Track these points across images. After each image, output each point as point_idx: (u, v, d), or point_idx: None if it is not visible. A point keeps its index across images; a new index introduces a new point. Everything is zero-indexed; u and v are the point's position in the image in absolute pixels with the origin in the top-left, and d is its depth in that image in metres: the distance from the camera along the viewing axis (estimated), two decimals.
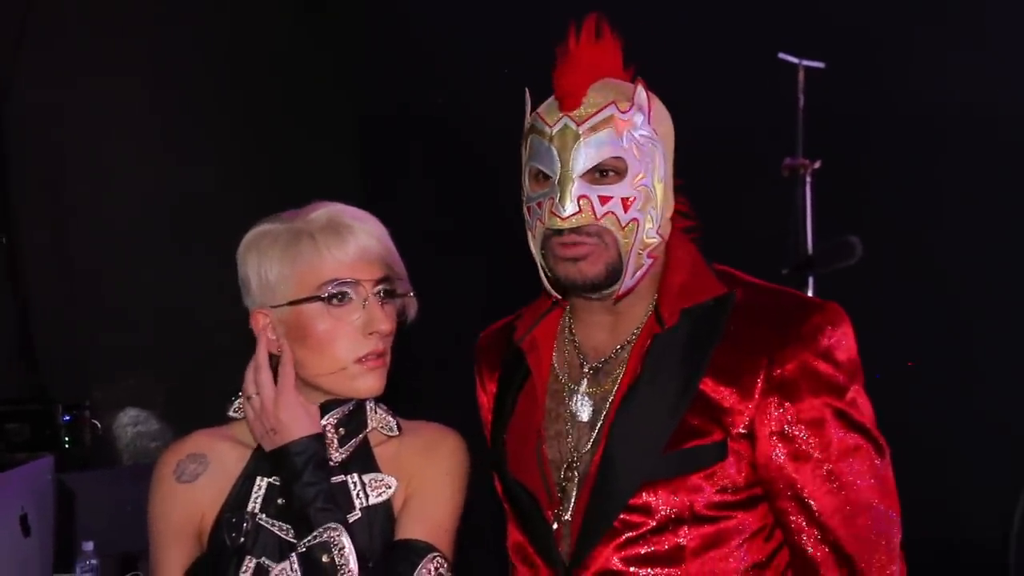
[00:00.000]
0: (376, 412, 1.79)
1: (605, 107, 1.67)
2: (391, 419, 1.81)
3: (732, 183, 3.39)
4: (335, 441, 1.74)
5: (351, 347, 1.69)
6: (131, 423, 4.44)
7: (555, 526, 1.73)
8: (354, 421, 1.76)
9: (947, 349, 3.38)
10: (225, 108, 4.65)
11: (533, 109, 1.75)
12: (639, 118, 1.68)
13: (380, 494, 1.74)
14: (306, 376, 1.72)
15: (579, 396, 1.76)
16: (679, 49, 3.69)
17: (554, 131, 1.68)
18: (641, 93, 1.69)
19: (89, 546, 2.77)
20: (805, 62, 3.33)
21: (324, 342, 1.69)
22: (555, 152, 1.67)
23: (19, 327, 4.15)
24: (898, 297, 3.39)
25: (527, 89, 1.76)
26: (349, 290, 1.69)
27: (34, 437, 3.96)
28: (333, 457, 1.74)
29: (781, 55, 3.32)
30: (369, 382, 1.71)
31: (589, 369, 1.78)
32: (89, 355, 4.33)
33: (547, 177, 1.69)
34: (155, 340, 4.40)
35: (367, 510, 1.72)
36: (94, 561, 2.76)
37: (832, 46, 3.39)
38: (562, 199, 1.66)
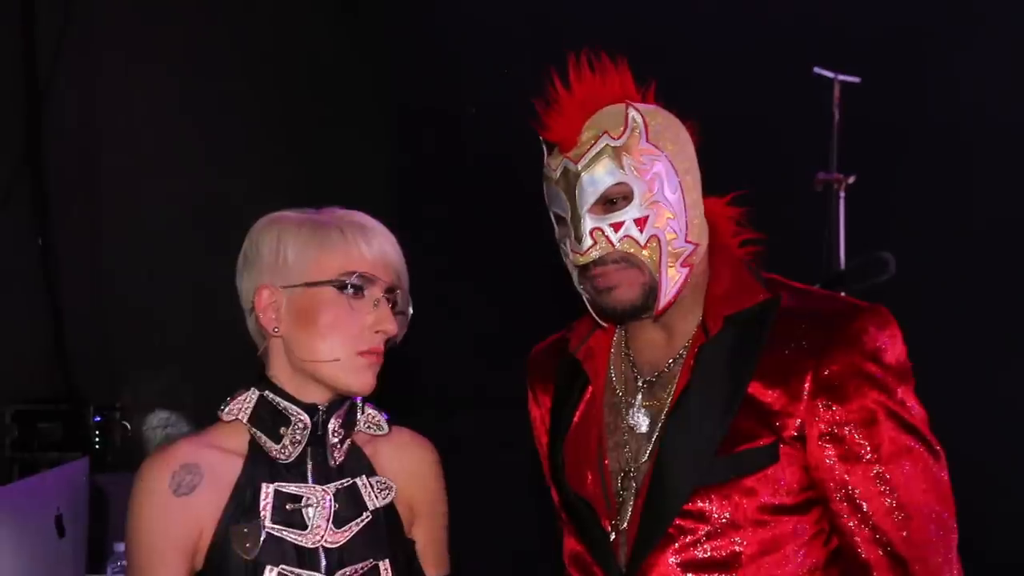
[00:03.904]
0: (364, 410, 1.79)
1: (599, 139, 1.70)
2: (381, 417, 1.80)
3: (765, 197, 3.38)
4: (337, 443, 1.73)
5: (354, 339, 1.69)
6: (160, 425, 4.47)
7: (612, 535, 1.74)
8: (349, 421, 1.76)
9: (982, 364, 3.37)
10: (259, 110, 4.68)
11: (549, 152, 1.78)
12: (635, 138, 1.70)
13: (386, 497, 1.75)
14: (301, 360, 1.70)
15: (635, 409, 1.78)
16: (715, 62, 3.70)
17: (557, 174, 1.73)
18: (633, 114, 1.71)
19: (121, 547, 2.76)
20: (841, 76, 3.32)
21: (329, 329, 1.68)
22: (562, 194, 1.72)
23: (53, 328, 4.19)
24: (931, 313, 3.37)
25: (543, 139, 1.78)
26: (366, 285, 1.70)
27: (66, 437, 4.00)
28: (336, 459, 1.73)
29: (817, 69, 3.31)
30: (366, 378, 1.70)
31: (644, 383, 1.79)
32: (121, 356, 4.36)
33: (563, 218, 1.74)
34: (186, 342, 4.42)
35: (375, 512, 1.73)
36: (125, 562, 2.76)
37: (868, 60, 3.38)
38: (578, 237, 1.70)
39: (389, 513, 1.76)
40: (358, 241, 1.70)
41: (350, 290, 1.68)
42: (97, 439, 4.07)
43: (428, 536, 1.83)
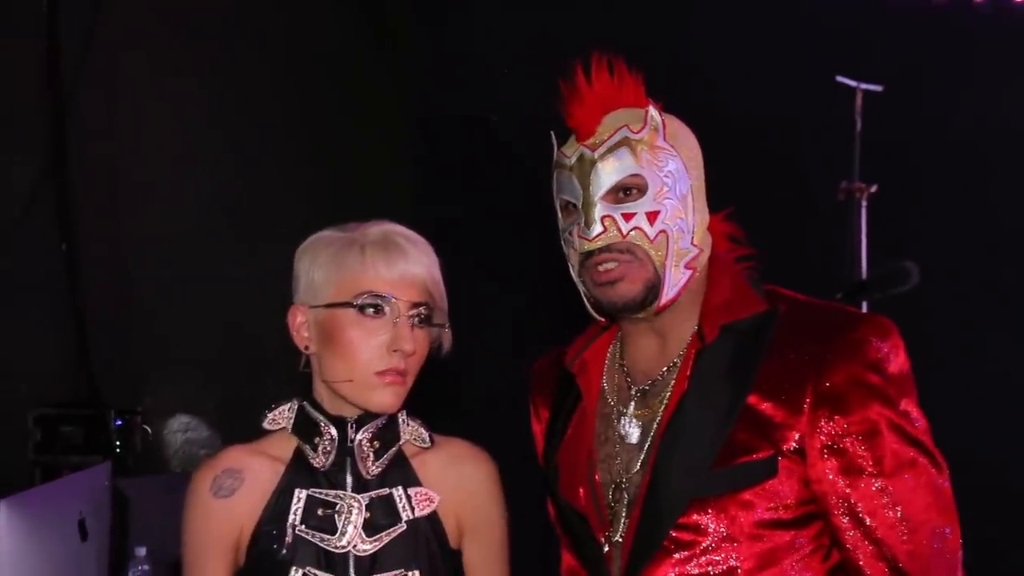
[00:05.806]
0: (408, 424, 1.83)
1: (618, 130, 1.71)
2: (424, 431, 1.83)
3: (788, 206, 3.38)
4: (371, 455, 1.77)
5: (372, 359, 1.72)
6: (181, 430, 4.48)
7: (606, 548, 1.73)
8: (388, 434, 1.79)
9: (1005, 373, 3.35)
10: (282, 115, 4.68)
11: (559, 148, 1.79)
12: (654, 135, 1.71)
13: (424, 508, 1.78)
14: (328, 380, 1.76)
15: (627, 418, 1.76)
16: (737, 71, 3.70)
17: (572, 161, 1.73)
18: (653, 112, 1.72)
19: (142, 551, 2.78)
20: (863, 85, 3.32)
21: (348, 349, 1.72)
22: (576, 180, 1.72)
23: (75, 331, 4.21)
24: (954, 322, 3.36)
25: (552, 132, 1.80)
26: (383, 304, 1.72)
27: (87, 441, 4.02)
28: (370, 471, 1.77)
29: (839, 78, 3.31)
30: (383, 397, 1.74)
31: (637, 391, 1.78)
32: (142, 361, 4.38)
33: (573, 205, 1.74)
34: (207, 348, 4.44)
35: (412, 523, 1.76)
36: (146, 567, 2.77)
37: (890, 70, 3.37)
38: (588, 222, 1.70)
39: (432, 525, 1.78)
40: (376, 261, 1.73)
41: (369, 311, 1.72)
42: (118, 443, 4.08)
43: (480, 552, 1.83)
